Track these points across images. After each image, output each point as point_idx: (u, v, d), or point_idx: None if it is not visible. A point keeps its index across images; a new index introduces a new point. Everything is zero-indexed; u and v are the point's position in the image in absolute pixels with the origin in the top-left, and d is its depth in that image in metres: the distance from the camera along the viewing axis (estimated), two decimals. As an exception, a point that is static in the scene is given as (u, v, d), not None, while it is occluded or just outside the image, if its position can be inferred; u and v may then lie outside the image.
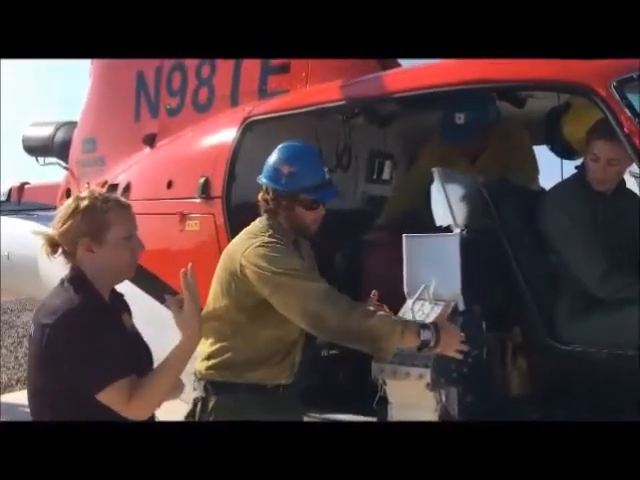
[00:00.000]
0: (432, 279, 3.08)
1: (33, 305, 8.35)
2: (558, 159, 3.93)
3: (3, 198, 6.76)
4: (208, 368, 2.75)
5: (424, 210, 3.97)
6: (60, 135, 6.08)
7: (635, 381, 2.74)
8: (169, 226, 4.24)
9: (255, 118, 4.03)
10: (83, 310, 2.07)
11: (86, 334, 2.03)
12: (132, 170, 4.91)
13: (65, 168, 5.80)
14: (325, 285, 2.62)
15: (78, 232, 2.15)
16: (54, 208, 4.09)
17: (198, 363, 2.77)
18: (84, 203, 2.16)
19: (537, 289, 3.20)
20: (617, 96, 2.82)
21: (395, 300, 3.06)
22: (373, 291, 2.71)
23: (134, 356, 2.16)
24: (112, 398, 2.04)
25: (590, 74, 2.91)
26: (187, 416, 2.78)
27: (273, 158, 2.82)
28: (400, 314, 2.99)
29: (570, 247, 3.14)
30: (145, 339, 2.34)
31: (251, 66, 4.37)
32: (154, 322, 2.92)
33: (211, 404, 2.73)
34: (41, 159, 6.28)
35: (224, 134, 4.18)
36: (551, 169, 4.18)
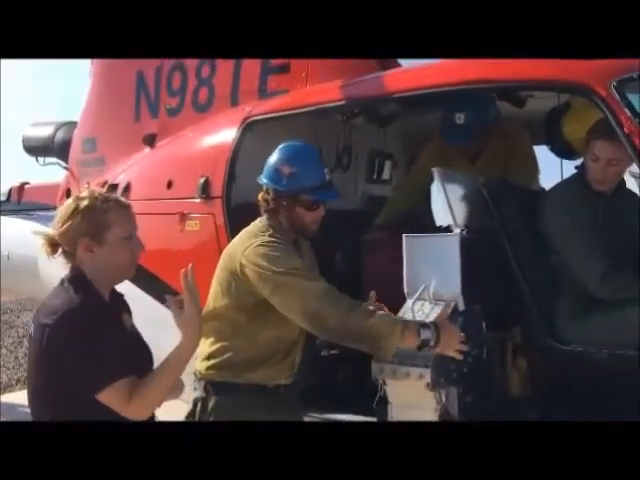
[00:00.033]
0: (432, 279, 3.08)
1: (33, 305, 8.35)
2: (558, 159, 3.93)
3: (3, 198, 6.75)
4: (208, 368, 2.75)
5: (424, 210, 3.98)
6: (60, 135, 6.08)
7: (635, 381, 2.74)
8: (169, 226, 4.23)
9: (255, 118, 4.03)
10: (83, 310, 2.07)
11: (86, 334, 2.03)
12: (132, 170, 4.91)
13: (65, 168, 5.80)
14: (325, 284, 2.62)
15: (78, 232, 2.15)
16: (54, 208, 4.09)
17: (198, 363, 2.77)
18: (84, 203, 2.16)
19: (537, 289, 3.20)
20: (617, 96, 2.82)
21: (395, 300, 3.06)
22: (372, 292, 2.71)
23: (134, 356, 2.16)
24: (112, 398, 2.04)
25: (590, 74, 2.91)
26: (187, 416, 2.78)
27: (274, 158, 2.82)
28: (400, 314, 2.99)
29: (570, 247, 3.15)
30: (145, 339, 2.34)
31: (251, 66, 4.37)
32: (154, 322, 2.92)
33: (211, 404, 2.73)
34: (41, 159, 6.28)
35: (224, 134, 4.18)
36: (551, 169, 4.18)
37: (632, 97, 2.83)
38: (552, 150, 3.93)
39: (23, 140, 6.36)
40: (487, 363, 3.12)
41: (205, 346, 2.74)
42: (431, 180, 3.53)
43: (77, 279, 2.15)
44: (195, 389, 2.79)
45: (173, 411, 2.68)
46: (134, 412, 2.08)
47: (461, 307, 3.04)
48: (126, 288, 2.35)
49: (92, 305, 2.11)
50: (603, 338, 2.97)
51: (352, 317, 2.51)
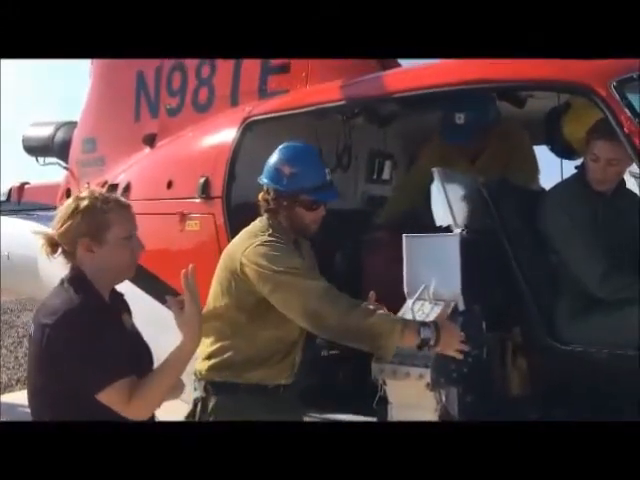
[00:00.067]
0: (432, 279, 3.08)
1: (33, 305, 8.35)
2: (558, 159, 3.94)
3: (3, 198, 6.75)
4: (208, 368, 2.75)
5: (424, 210, 3.98)
6: (60, 135, 6.08)
7: (635, 381, 2.74)
8: (169, 226, 4.23)
9: (255, 118, 4.03)
10: (83, 310, 2.07)
11: (86, 334, 2.03)
12: (132, 170, 4.91)
13: (65, 168, 5.80)
14: (325, 284, 2.62)
15: (78, 232, 2.15)
16: (54, 208, 4.08)
17: (198, 363, 2.77)
18: (84, 203, 2.16)
19: (537, 289, 3.20)
20: (617, 96, 2.82)
21: (395, 300, 3.06)
22: (371, 292, 2.71)
23: (134, 356, 2.16)
24: (112, 398, 2.04)
25: (590, 74, 2.91)
26: (187, 416, 2.78)
27: (274, 158, 2.82)
28: (400, 314, 2.98)
29: (570, 247, 3.15)
30: (145, 339, 2.34)
31: (251, 66, 4.37)
32: (154, 322, 2.92)
33: (211, 404, 2.73)
34: (41, 159, 6.28)
35: (224, 134, 4.17)
36: (551, 169, 4.18)
37: (632, 97, 2.83)
38: (552, 150, 3.93)
39: (23, 140, 6.36)
40: (487, 363, 3.12)
41: (205, 346, 2.74)
42: (431, 180, 3.53)
43: (77, 279, 2.15)
44: (195, 389, 2.79)
45: (173, 411, 2.68)
46: (134, 412, 2.08)
47: (461, 307, 3.04)
48: (126, 288, 2.35)
49: (92, 305, 2.11)
50: (603, 338, 2.97)
51: (352, 316, 2.52)
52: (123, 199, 2.29)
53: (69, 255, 2.19)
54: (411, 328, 2.54)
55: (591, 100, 2.92)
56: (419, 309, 3.04)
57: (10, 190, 6.75)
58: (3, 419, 5.38)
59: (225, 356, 2.73)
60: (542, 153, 4.10)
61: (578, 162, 3.36)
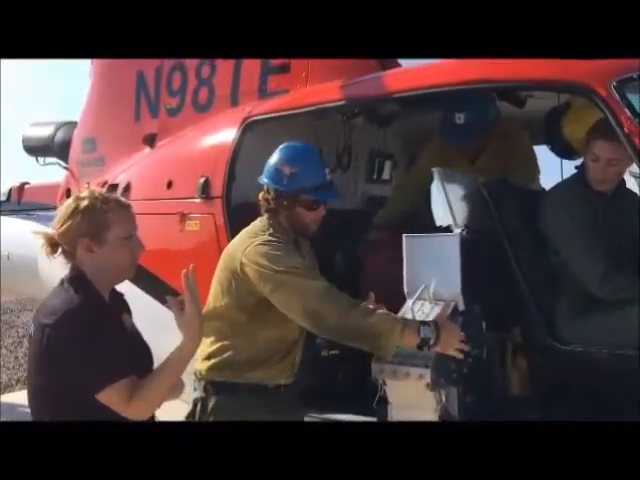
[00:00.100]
0: (432, 279, 3.08)
1: (33, 305, 8.35)
2: (558, 159, 3.93)
3: (3, 198, 6.76)
4: (208, 368, 2.75)
5: (424, 210, 3.98)
6: (60, 135, 6.08)
7: (635, 381, 2.74)
8: (169, 226, 4.23)
9: (255, 118, 4.03)
10: (83, 310, 2.07)
11: (86, 334, 2.03)
12: (132, 170, 4.91)
13: (65, 168, 5.80)
14: (325, 283, 2.62)
15: (78, 232, 2.15)
16: (54, 208, 4.09)
17: (198, 363, 2.77)
18: (84, 203, 2.16)
19: (537, 289, 3.20)
20: (617, 96, 2.82)
21: (395, 300, 3.06)
22: (371, 293, 2.71)
23: (134, 356, 2.16)
24: (112, 398, 2.04)
25: (590, 74, 2.91)
26: (187, 416, 2.78)
27: (274, 158, 2.82)
28: (400, 314, 2.98)
29: (570, 247, 3.14)
30: (145, 339, 2.34)
31: (251, 66, 4.37)
32: (154, 322, 2.92)
33: (211, 404, 2.73)
34: (41, 159, 6.28)
35: (224, 134, 4.17)
36: (551, 169, 4.18)
37: (632, 97, 2.83)
38: (552, 150, 3.93)
39: (23, 140, 6.36)
40: (487, 363, 3.12)
41: (205, 346, 2.74)
42: (431, 180, 3.53)
43: (77, 279, 2.15)
44: (195, 389, 2.79)
45: (173, 411, 2.68)
46: (134, 412, 2.07)
47: (461, 307, 3.04)
48: (126, 288, 2.35)
49: (92, 305, 2.11)
50: (603, 338, 2.96)
51: (352, 315, 2.52)
52: (123, 199, 2.29)
53: (69, 255, 2.19)
54: (411, 327, 2.54)
55: (591, 100, 2.92)
56: (419, 309, 3.04)
57: (10, 190, 6.76)
58: (3, 419, 5.38)
59: (225, 356, 2.73)
60: (542, 153, 4.11)
61: (578, 162, 3.36)
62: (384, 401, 3.03)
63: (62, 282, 2.17)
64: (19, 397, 6.42)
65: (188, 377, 2.50)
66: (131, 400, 2.05)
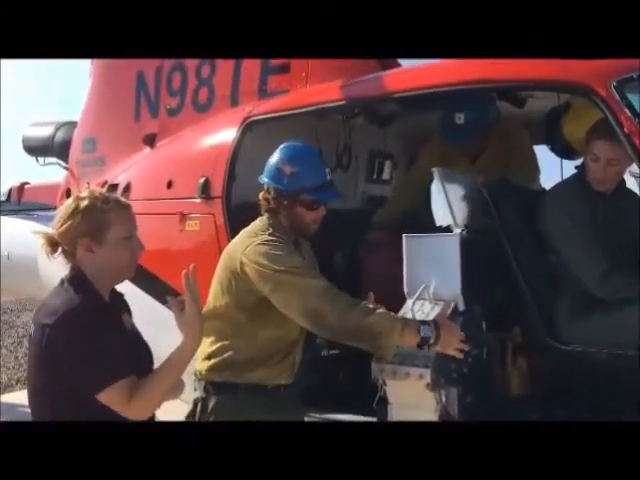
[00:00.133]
0: (432, 279, 3.08)
1: (33, 305, 8.35)
2: (558, 159, 3.94)
3: (3, 198, 6.76)
4: (208, 368, 2.75)
5: (424, 210, 3.98)
6: (60, 135, 6.08)
7: (635, 381, 2.74)
8: (169, 226, 4.23)
9: (255, 118, 4.03)
10: (83, 310, 2.07)
11: (86, 334, 2.03)
12: (132, 170, 4.91)
13: (65, 168, 5.80)
14: (325, 283, 2.62)
15: (78, 232, 2.15)
16: (54, 208, 4.09)
17: (198, 363, 2.77)
18: (84, 203, 2.16)
19: (537, 289, 3.20)
20: (617, 96, 2.82)
21: (395, 300, 3.06)
22: (370, 293, 2.71)
23: (134, 356, 2.16)
24: (112, 398, 2.04)
25: (590, 74, 2.91)
26: (187, 416, 2.78)
27: (275, 158, 2.83)
28: (400, 314, 2.98)
29: (570, 247, 3.14)
30: (145, 339, 2.34)
31: (251, 66, 4.37)
32: (154, 322, 2.92)
33: (211, 404, 2.73)
34: (41, 159, 6.28)
35: (224, 134, 4.17)
36: (551, 169, 4.18)
37: (632, 97, 2.83)
38: (552, 150, 3.93)
39: (23, 140, 6.36)
40: (487, 363, 3.12)
41: (205, 346, 2.74)
42: (431, 180, 3.53)
43: (77, 279, 2.15)
44: (195, 389, 2.79)
45: (173, 411, 2.68)
46: (134, 412, 2.07)
47: (461, 307, 3.04)
48: (126, 288, 2.35)
49: (92, 305, 2.11)
50: (603, 338, 2.97)
51: (352, 315, 2.52)
52: (123, 199, 2.29)
53: (69, 255, 2.19)
54: (411, 327, 2.54)
55: (591, 100, 2.92)
56: (419, 309, 3.04)
57: (10, 190, 6.76)
58: (3, 419, 5.38)
59: (225, 356, 2.73)
60: (542, 153, 4.11)
61: (578, 162, 3.36)
62: (384, 401, 3.03)
63: (62, 282, 2.17)
64: (19, 397, 6.42)
65: (188, 377, 2.50)
66: (131, 400, 2.05)
